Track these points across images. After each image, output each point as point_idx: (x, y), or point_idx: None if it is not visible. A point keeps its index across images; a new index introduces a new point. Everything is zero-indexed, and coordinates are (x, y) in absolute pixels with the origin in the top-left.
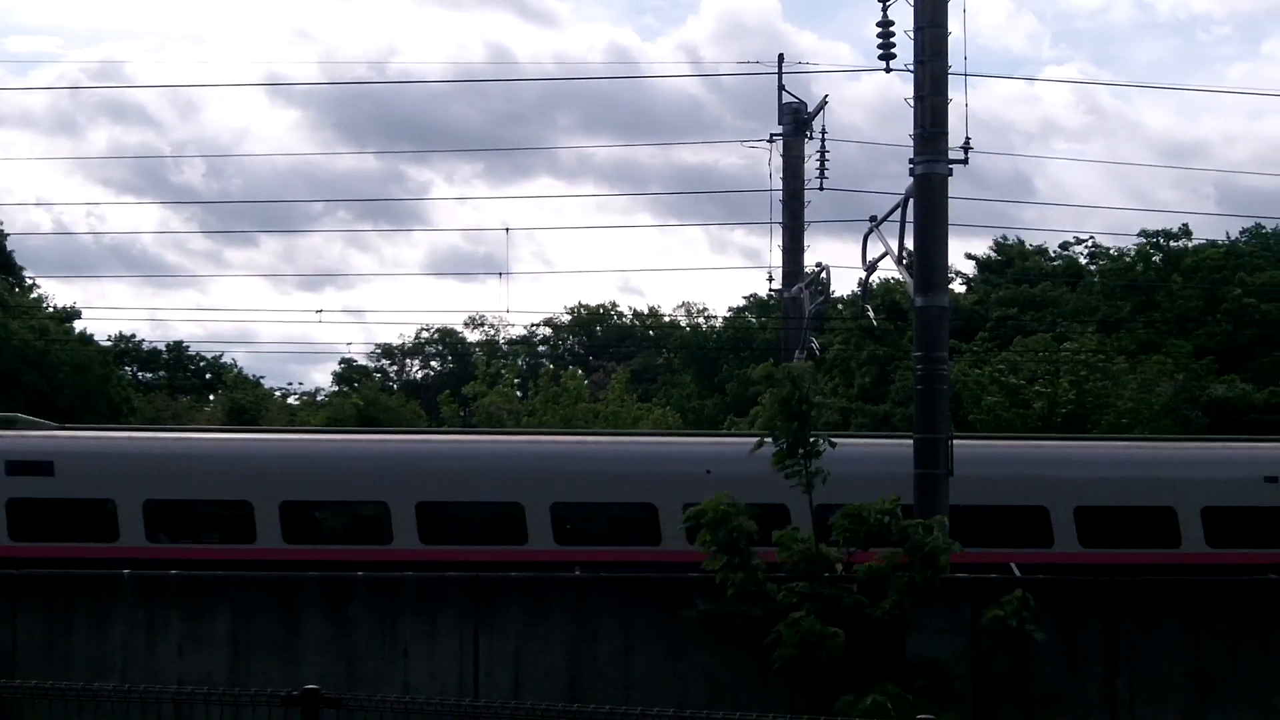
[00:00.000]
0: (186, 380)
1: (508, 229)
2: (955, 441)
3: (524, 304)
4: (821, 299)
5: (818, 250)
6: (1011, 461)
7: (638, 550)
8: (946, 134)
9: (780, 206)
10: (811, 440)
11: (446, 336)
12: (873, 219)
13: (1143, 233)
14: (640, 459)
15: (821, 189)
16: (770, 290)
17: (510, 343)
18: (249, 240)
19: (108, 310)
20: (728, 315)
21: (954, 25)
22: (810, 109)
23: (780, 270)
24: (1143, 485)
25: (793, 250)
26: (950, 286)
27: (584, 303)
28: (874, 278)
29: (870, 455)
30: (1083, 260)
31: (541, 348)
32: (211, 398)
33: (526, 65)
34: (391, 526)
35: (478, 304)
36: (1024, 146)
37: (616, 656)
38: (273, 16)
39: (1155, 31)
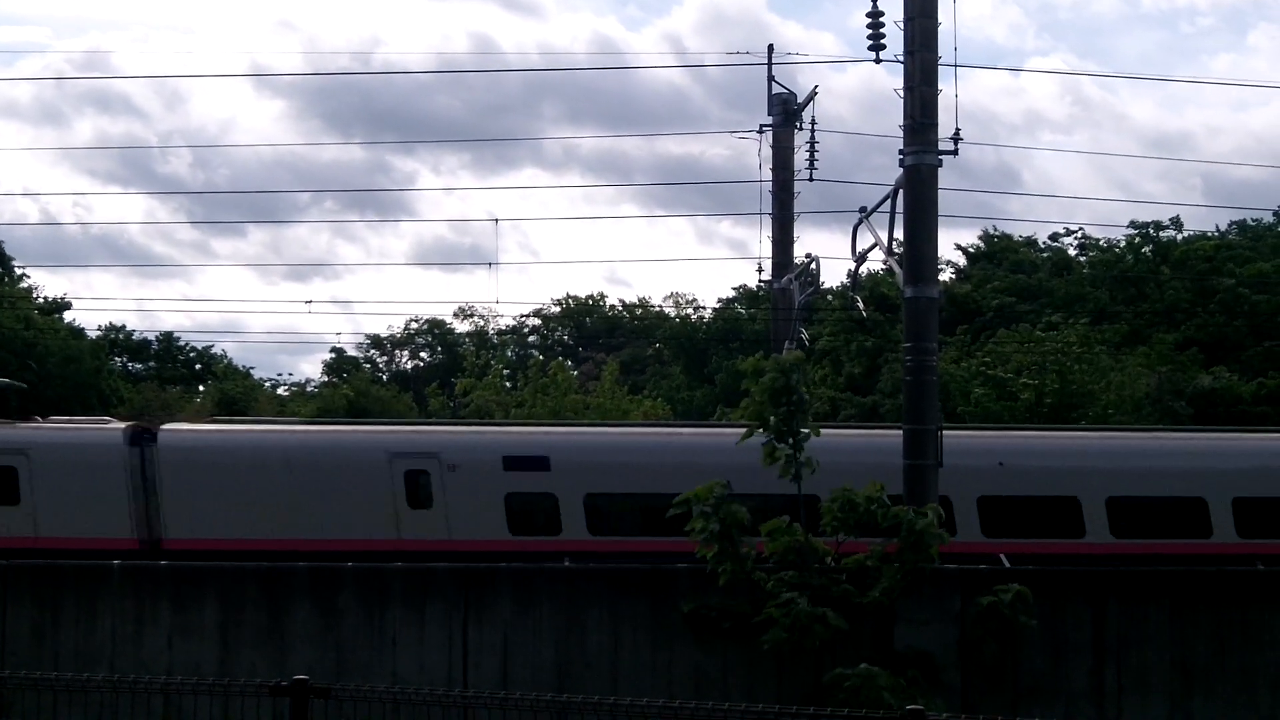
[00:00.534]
0: (175, 371)
1: (496, 220)
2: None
3: (511, 294)
4: (811, 290)
5: (806, 241)
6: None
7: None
8: (936, 125)
9: (769, 197)
10: (802, 431)
11: (435, 327)
12: (862, 210)
13: (1133, 223)
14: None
15: (811, 180)
16: (760, 281)
17: (500, 333)
18: (236, 231)
19: (95, 301)
20: (717, 306)
21: (943, 17)
22: (798, 100)
23: (769, 261)
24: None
25: (782, 241)
26: (940, 277)
27: (572, 294)
28: (861, 269)
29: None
30: (1072, 251)
31: (531, 339)
32: (201, 388)
33: (510, 56)
34: None
35: (465, 295)
36: (1009, 138)
37: (605, 647)
38: (256, 7)
39: (1139, 23)
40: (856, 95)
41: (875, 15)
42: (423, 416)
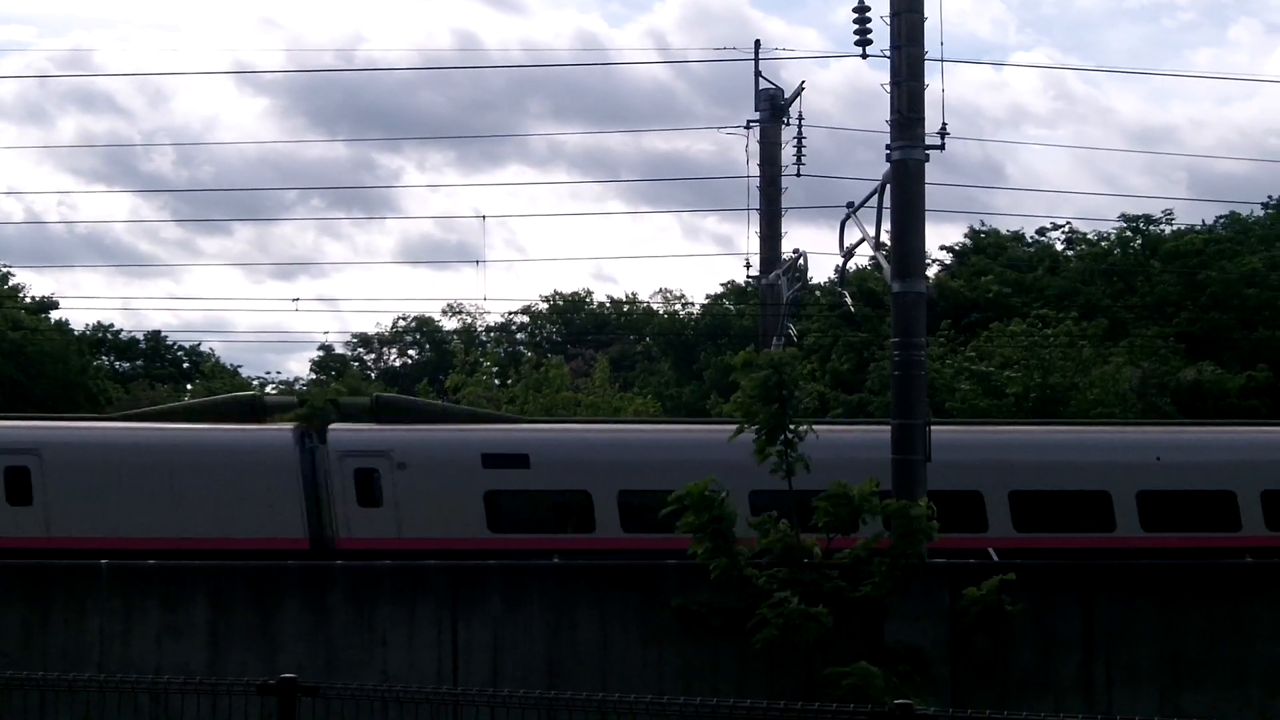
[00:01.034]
0: (163, 369)
1: (484, 217)
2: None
3: (498, 292)
4: (799, 285)
5: (793, 237)
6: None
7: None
8: (923, 120)
9: (756, 193)
10: (792, 426)
11: (424, 325)
12: (850, 205)
13: (1123, 216)
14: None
15: (799, 175)
16: (748, 277)
17: (488, 330)
18: (222, 229)
19: (82, 300)
20: (705, 302)
21: (929, 11)
22: (785, 96)
23: (757, 257)
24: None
25: (770, 237)
26: (929, 273)
27: (559, 290)
28: (849, 265)
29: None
30: (1059, 246)
31: (519, 335)
32: (189, 387)
33: (494, 52)
34: None
35: (452, 292)
36: (993, 133)
37: (595, 644)
38: (239, 4)
39: (1121, 17)
40: (840, 91)
41: (862, 10)
42: None
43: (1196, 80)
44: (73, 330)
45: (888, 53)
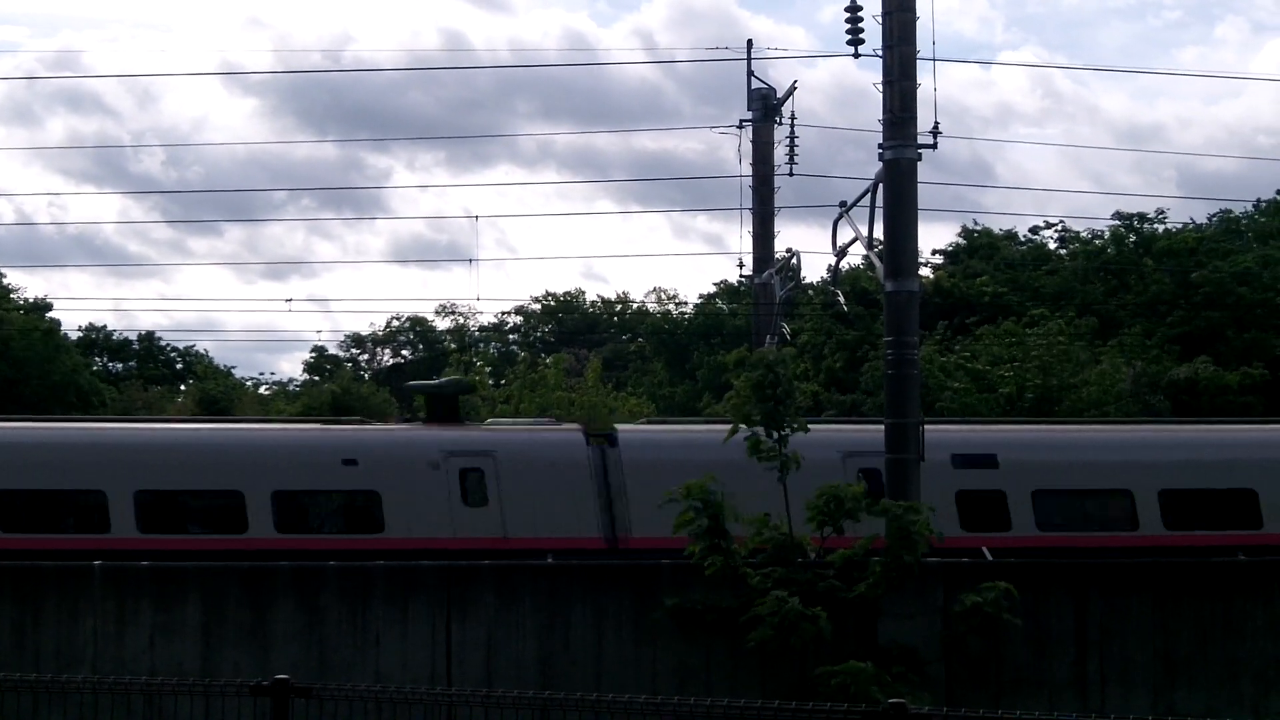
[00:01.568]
0: (156, 371)
1: (476, 217)
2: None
3: (489, 291)
4: (792, 285)
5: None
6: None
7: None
8: (915, 119)
9: (748, 192)
10: (786, 426)
11: (417, 325)
12: (842, 204)
13: (1117, 214)
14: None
15: (791, 174)
16: (741, 276)
17: (481, 329)
18: (212, 229)
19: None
20: (698, 302)
21: (919, 10)
22: (777, 95)
23: (750, 256)
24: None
25: (763, 236)
26: (921, 272)
27: (550, 291)
28: (841, 264)
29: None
30: (1052, 245)
31: (512, 336)
32: (183, 388)
33: (481, 52)
34: None
35: (444, 291)
36: (981, 131)
37: (588, 643)
38: (225, 3)
39: (1107, 16)
40: (828, 90)
41: (854, 10)
42: (406, 413)
43: (1184, 78)
44: (64, 334)
45: (879, 52)
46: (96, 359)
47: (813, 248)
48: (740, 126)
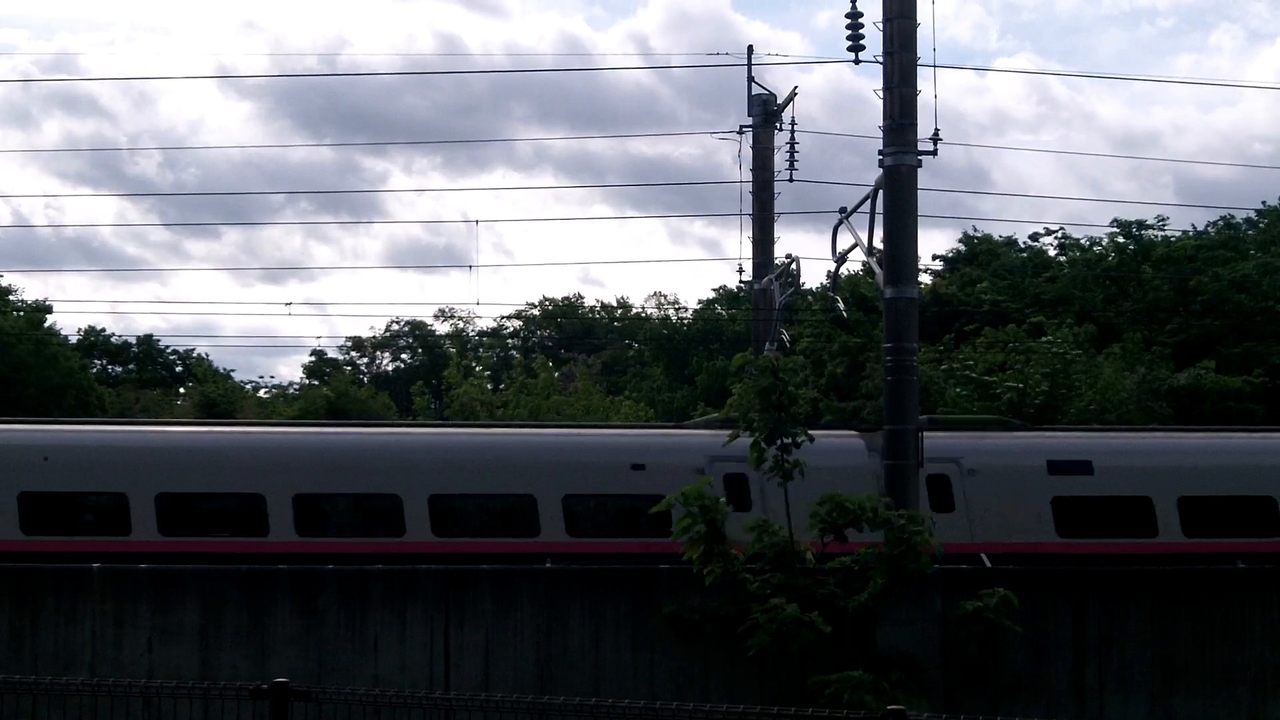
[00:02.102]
0: (155, 374)
1: (477, 221)
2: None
3: (487, 295)
4: (791, 290)
5: (783, 242)
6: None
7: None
8: (915, 125)
9: (747, 198)
10: (792, 433)
11: (416, 329)
12: (842, 210)
13: (1115, 222)
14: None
15: (791, 180)
16: (740, 282)
17: (480, 334)
18: (209, 232)
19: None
20: (697, 307)
21: (921, 17)
22: (777, 101)
23: (749, 262)
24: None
25: (762, 242)
26: (921, 279)
27: (548, 295)
28: (841, 270)
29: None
30: (1052, 251)
31: (511, 340)
32: (182, 391)
33: (476, 56)
34: None
35: (441, 296)
36: (977, 138)
37: (586, 648)
38: (220, 7)
39: (1102, 24)
40: (825, 96)
41: (855, 16)
42: (405, 416)
43: (1179, 86)
44: (64, 337)
45: (879, 58)
46: (96, 362)
47: (811, 253)
48: (740, 132)
